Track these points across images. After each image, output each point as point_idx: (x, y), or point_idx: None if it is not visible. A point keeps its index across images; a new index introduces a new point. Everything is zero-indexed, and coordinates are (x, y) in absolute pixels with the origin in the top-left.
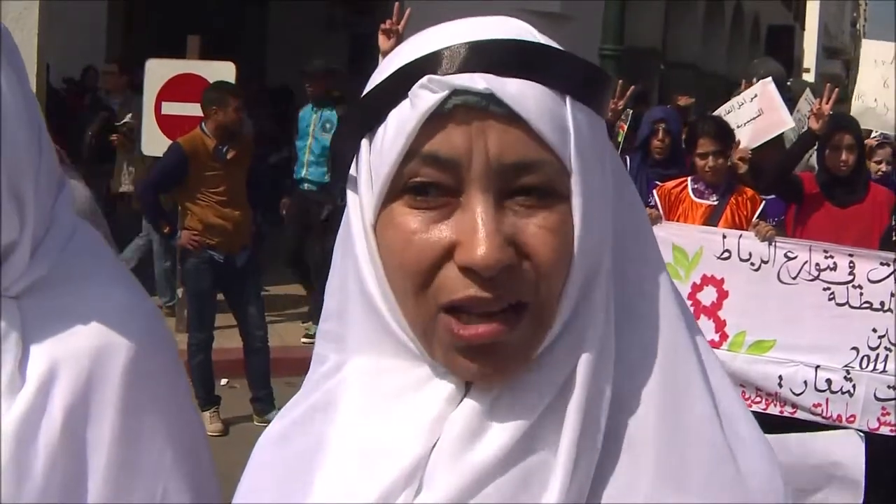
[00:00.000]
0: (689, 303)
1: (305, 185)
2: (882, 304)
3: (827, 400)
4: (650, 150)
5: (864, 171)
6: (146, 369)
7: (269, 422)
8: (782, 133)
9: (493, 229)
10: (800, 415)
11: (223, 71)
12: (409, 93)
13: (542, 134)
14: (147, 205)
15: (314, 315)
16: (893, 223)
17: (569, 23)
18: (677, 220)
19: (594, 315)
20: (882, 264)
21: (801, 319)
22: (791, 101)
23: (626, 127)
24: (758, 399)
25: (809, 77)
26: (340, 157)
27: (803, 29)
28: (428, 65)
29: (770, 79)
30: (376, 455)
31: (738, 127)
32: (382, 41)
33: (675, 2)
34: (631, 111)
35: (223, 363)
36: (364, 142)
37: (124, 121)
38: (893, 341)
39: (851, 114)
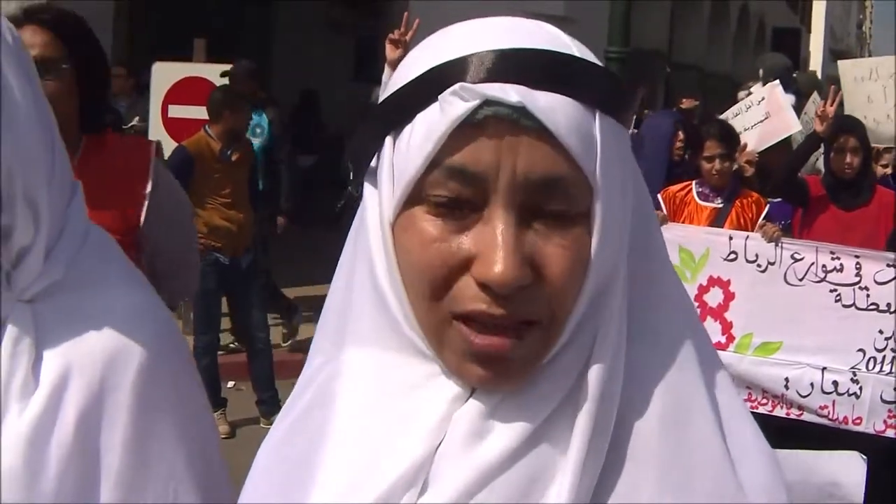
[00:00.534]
0: (695, 304)
1: None
2: (889, 305)
3: (833, 402)
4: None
5: (871, 174)
6: (159, 372)
7: None
8: (790, 136)
9: (512, 248)
10: (806, 417)
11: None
12: (440, 97)
13: (569, 149)
14: None
15: None
16: None
17: (572, 25)
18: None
19: (607, 324)
20: (889, 266)
21: (808, 321)
22: (797, 94)
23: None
24: (764, 401)
25: None
26: (363, 151)
27: (809, 31)
28: (456, 70)
29: (777, 82)
30: (380, 453)
31: (746, 130)
32: (390, 51)
33: (681, 3)
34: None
35: (229, 365)
36: (388, 139)
37: (132, 123)
38: None
39: None
